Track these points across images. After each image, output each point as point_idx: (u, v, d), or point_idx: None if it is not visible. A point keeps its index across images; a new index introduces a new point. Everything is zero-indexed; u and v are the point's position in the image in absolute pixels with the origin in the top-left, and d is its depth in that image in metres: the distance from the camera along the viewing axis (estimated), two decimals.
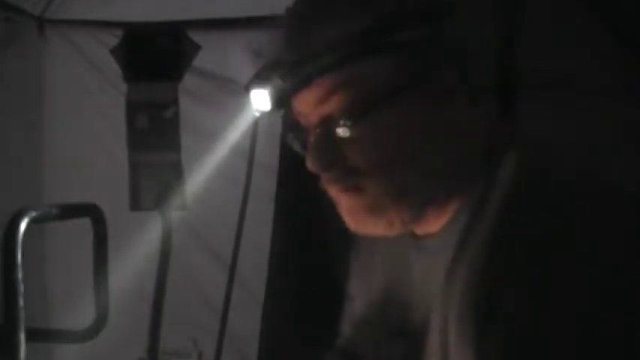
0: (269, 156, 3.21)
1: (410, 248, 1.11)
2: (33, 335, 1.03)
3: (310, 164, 1.05)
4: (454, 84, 1.00)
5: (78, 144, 3.42)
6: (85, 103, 3.44)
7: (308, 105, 1.04)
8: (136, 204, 3.13)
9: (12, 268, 0.98)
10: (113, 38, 3.32)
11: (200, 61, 3.30)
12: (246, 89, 1.09)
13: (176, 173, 3.11)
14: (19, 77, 3.27)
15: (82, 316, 1.82)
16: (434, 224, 1.07)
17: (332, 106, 1.02)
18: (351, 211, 1.06)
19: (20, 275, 0.99)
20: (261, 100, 1.09)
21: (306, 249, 3.05)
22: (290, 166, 3.09)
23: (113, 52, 3.27)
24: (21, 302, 0.99)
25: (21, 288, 0.99)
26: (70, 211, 1.17)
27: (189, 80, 3.31)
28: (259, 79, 1.06)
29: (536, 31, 1.04)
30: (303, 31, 1.02)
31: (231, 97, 3.30)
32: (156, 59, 3.23)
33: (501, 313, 0.93)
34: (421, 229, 1.09)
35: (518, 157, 1.01)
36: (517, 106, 1.09)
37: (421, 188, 1.03)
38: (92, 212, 1.21)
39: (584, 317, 0.90)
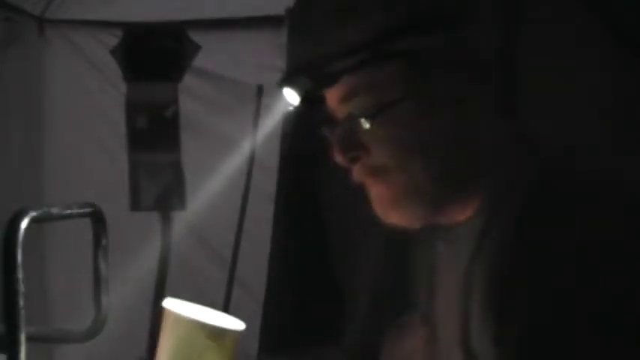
0: (269, 156, 3.21)
1: (435, 237, 1.18)
2: (33, 335, 1.03)
3: (336, 157, 1.13)
4: (470, 85, 1.08)
5: (78, 144, 3.42)
6: (85, 103, 3.44)
7: (333, 102, 1.13)
8: (136, 204, 3.12)
9: (12, 268, 0.98)
10: (113, 38, 3.32)
11: (200, 61, 3.30)
12: (280, 85, 1.14)
13: (176, 173, 3.11)
14: (19, 77, 3.27)
15: (82, 316, 1.82)
16: (459, 215, 1.13)
17: (355, 103, 1.10)
18: (378, 201, 1.13)
19: (20, 275, 0.99)
20: (290, 96, 1.13)
21: (306, 249, 3.05)
22: (290, 166, 3.09)
23: (113, 52, 3.27)
24: (21, 302, 0.99)
25: (21, 288, 0.99)
26: (70, 211, 1.17)
27: (189, 80, 3.31)
28: (289, 76, 1.13)
29: (536, 31, 1.04)
30: (328, 32, 1.09)
31: (231, 97, 3.30)
32: (156, 59, 3.23)
33: (520, 311, 1.00)
34: (446, 220, 1.15)
35: (535, 156, 1.09)
36: (524, 106, 1.14)
37: (438, 184, 1.10)
38: (92, 212, 1.21)
39: (604, 317, 0.95)
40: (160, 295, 3.00)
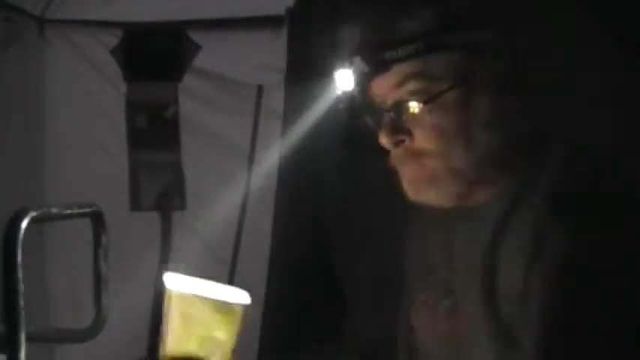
0: (269, 156, 3.21)
1: (458, 216, 1.27)
2: (33, 335, 1.03)
3: (383, 140, 1.23)
4: (505, 77, 1.18)
5: (78, 144, 3.42)
6: (85, 103, 3.43)
7: (385, 88, 1.23)
8: (136, 204, 3.12)
9: (12, 268, 0.98)
10: (113, 38, 3.32)
11: (200, 61, 3.30)
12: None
13: (176, 173, 3.11)
14: (19, 77, 3.27)
15: (82, 316, 1.82)
16: (483, 196, 1.23)
17: (405, 91, 1.21)
18: (412, 182, 1.23)
19: (20, 275, 0.99)
20: (345, 80, 1.22)
21: (307, 248, 3.05)
22: (290, 166, 3.09)
23: (113, 52, 3.27)
24: (21, 302, 0.99)
25: (21, 288, 0.99)
26: (70, 211, 1.17)
27: (189, 80, 3.31)
28: (348, 58, 1.22)
29: (536, 31, 1.05)
30: (387, 20, 1.20)
31: (231, 96, 3.30)
32: (156, 59, 3.23)
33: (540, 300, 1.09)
34: (471, 201, 1.24)
35: (560, 152, 1.18)
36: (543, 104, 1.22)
37: (473, 167, 1.20)
38: (92, 212, 1.21)
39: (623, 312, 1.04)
40: (160, 295, 3.00)
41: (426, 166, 1.22)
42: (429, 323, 1.29)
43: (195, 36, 3.30)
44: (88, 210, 1.19)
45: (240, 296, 1.25)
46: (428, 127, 1.21)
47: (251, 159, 3.18)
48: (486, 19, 1.20)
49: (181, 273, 1.26)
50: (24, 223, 1.01)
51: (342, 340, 1.33)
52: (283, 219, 3.19)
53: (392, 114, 1.23)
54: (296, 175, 3.02)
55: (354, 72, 1.22)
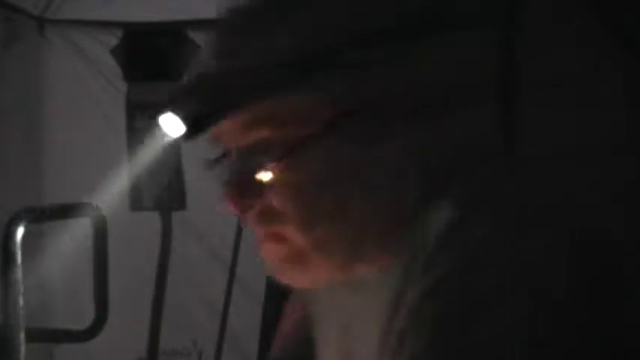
0: None
1: (342, 285, 0.95)
2: (33, 335, 1.03)
3: (225, 202, 0.88)
4: (404, 114, 0.85)
5: (78, 144, 3.43)
6: (85, 103, 3.44)
7: (228, 133, 0.89)
8: (136, 204, 3.12)
9: (12, 268, 0.98)
10: (113, 38, 3.32)
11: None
12: (157, 112, 0.91)
13: (176, 173, 3.11)
14: (19, 77, 3.27)
15: (82, 316, 1.82)
16: (369, 269, 0.89)
17: (254, 137, 0.86)
18: (271, 260, 0.91)
19: (20, 275, 0.99)
20: (173, 124, 0.89)
21: None
22: None
23: (113, 52, 3.27)
24: (21, 302, 0.99)
25: (21, 288, 0.99)
26: (70, 211, 1.17)
27: None
28: (174, 100, 0.89)
29: (536, 31, 1.03)
30: (228, 48, 0.87)
31: None
32: (156, 59, 3.23)
33: None
34: (354, 276, 0.91)
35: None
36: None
37: (350, 243, 0.86)
38: (92, 212, 1.21)
39: None
40: (160, 295, 3.00)
41: (285, 241, 0.88)
42: None
43: (196, 36, 3.30)
44: (87, 210, 1.19)
45: None
46: (283, 190, 0.85)
47: None
48: (365, 48, 0.85)
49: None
50: (23, 224, 1.01)
51: None
52: None
53: (236, 169, 0.89)
54: None
55: (188, 112, 0.87)
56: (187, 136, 0.87)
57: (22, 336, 1.00)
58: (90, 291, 1.76)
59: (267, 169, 0.85)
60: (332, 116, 0.84)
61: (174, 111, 0.88)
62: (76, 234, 2.46)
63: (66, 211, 1.14)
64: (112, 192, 3.15)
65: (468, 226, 0.84)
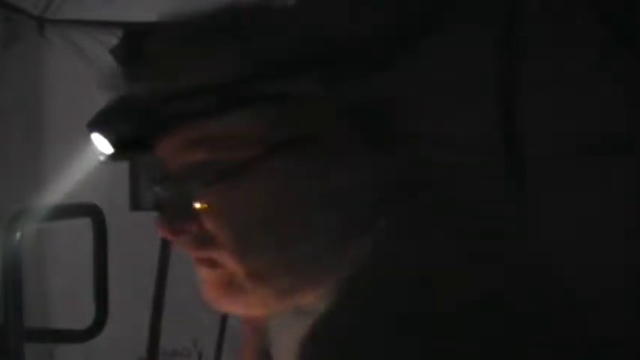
0: None
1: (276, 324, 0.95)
2: (33, 335, 1.03)
3: (158, 225, 0.85)
4: (345, 141, 0.83)
5: (78, 143, 3.43)
6: (85, 103, 3.44)
7: (165, 153, 0.86)
8: (136, 204, 3.12)
9: (12, 268, 0.98)
10: (113, 38, 3.32)
11: None
12: (89, 129, 0.87)
13: None
14: (19, 77, 3.27)
15: (82, 316, 1.82)
16: (308, 297, 0.87)
17: (190, 160, 0.83)
18: (206, 286, 0.88)
19: (20, 275, 0.99)
20: (103, 142, 0.85)
21: None
22: None
23: (113, 52, 3.27)
24: (21, 302, 0.99)
25: (21, 288, 0.99)
26: (70, 211, 1.17)
27: None
28: (103, 118, 0.85)
29: (535, 32, 1.04)
30: (162, 68, 0.85)
31: None
32: None
33: None
34: (288, 307, 0.89)
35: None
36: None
37: (286, 271, 0.84)
38: (92, 212, 1.21)
39: None
40: (159, 295, 3.00)
41: (219, 267, 0.86)
42: None
43: None
44: (88, 210, 1.19)
45: None
46: (218, 214, 0.83)
47: None
48: (312, 65, 0.81)
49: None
50: (23, 224, 1.01)
51: None
52: None
53: (170, 191, 0.86)
54: None
55: (115, 132, 0.84)
56: (114, 158, 0.86)
57: (22, 336, 1.00)
58: (90, 291, 1.76)
59: (202, 193, 0.83)
60: (274, 141, 0.81)
61: (101, 132, 0.85)
62: (76, 234, 2.46)
63: (66, 211, 1.14)
64: (112, 192, 3.15)
65: (366, 276, 0.81)
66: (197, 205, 0.83)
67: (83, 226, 1.29)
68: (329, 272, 0.83)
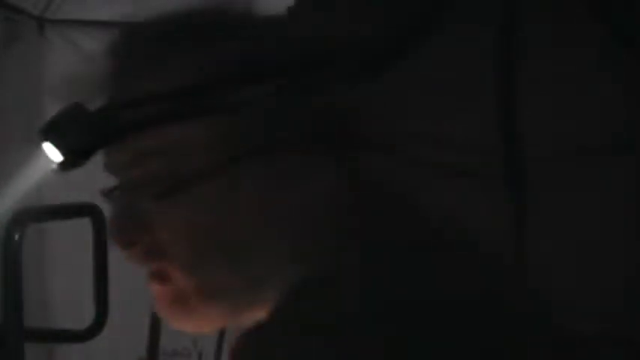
0: None
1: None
2: (33, 335, 1.03)
3: (110, 236, 0.83)
4: (305, 154, 0.81)
5: None
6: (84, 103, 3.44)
7: (117, 164, 0.84)
8: None
9: (12, 268, 0.98)
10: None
11: None
12: (40, 137, 0.84)
13: None
14: (19, 77, 3.28)
15: (82, 316, 1.83)
16: (259, 315, 0.83)
17: (142, 170, 0.81)
18: (156, 299, 0.86)
19: (20, 275, 0.99)
20: (53, 151, 0.82)
21: None
22: None
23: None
24: (21, 302, 0.99)
25: (21, 288, 0.99)
26: (70, 211, 1.17)
27: None
28: (54, 126, 0.82)
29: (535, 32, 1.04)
30: (114, 76, 0.83)
31: None
32: None
33: None
34: (241, 323, 0.85)
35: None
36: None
37: (240, 288, 0.81)
38: (92, 212, 1.21)
39: None
40: None
41: (169, 281, 0.83)
42: None
43: None
44: (87, 210, 1.19)
45: None
46: (170, 226, 0.80)
47: None
48: (274, 74, 0.78)
49: None
50: (23, 224, 1.01)
51: None
52: None
53: (122, 201, 0.83)
54: None
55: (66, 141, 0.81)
56: (63, 167, 0.82)
57: (22, 336, 1.00)
58: (90, 291, 1.76)
59: (153, 204, 0.80)
60: (229, 152, 0.78)
61: (51, 141, 0.82)
62: (76, 234, 2.46)
63: (66, 211, 1.14)
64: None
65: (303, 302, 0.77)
66: (150, 215, 0.81)
67: (83, 226, 1.29)
68: (279, 290, 0.79)
